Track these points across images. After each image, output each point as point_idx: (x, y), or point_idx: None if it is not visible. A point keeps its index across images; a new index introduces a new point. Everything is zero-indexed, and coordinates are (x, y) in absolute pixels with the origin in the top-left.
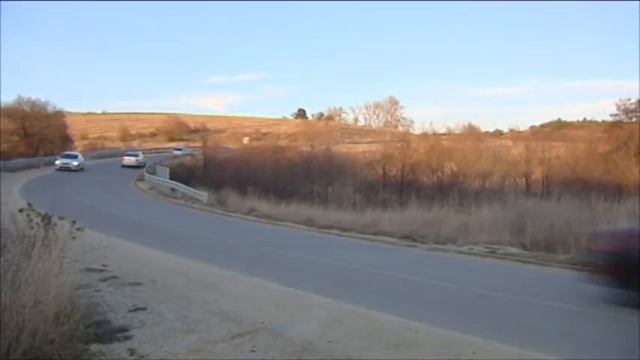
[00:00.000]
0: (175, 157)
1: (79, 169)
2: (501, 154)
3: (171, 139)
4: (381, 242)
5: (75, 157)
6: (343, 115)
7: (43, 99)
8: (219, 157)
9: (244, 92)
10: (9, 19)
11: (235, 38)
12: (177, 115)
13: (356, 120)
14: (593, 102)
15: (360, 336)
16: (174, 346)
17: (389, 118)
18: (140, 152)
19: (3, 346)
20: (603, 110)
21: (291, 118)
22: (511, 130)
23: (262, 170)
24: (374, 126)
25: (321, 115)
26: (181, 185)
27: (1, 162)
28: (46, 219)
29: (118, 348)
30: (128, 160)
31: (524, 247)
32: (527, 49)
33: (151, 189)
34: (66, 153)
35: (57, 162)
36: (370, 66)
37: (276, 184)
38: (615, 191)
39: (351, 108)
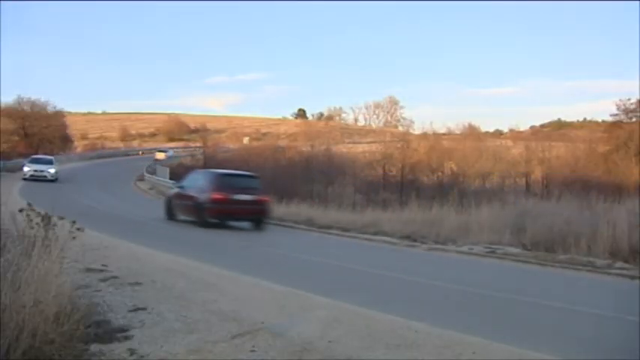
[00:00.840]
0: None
1: (54, 179)
2: (501, 154)
3: (171, 139)
4: (381, 242)
5: (49, 162)
6: (343, 115)
7: (43, 99)
8: (219, 157)
9: (244, 92)
10: (9, 19)
11: (235, 38)
12: (177, 115)
13: (356, 120)
14: (593, 102)
15: (360, 336)
16: (174, 346)
17: (389, 118)
18: (170, 149)
19: (3, 346)
20: (603, 110)
21: (291, 118)
22: (511, 130)
23: (262, 170)
24: (374, 126)
25: (321, 115)
26: None
27: (1, 162)
28: (46, 219)
29: (118, 348)
30: (160, 155)
31: (524, 247)
32: (527, 49)
33: (150, 189)
34: (36, 156)
35: (25, 169)
36: (370, 66)
37: (276, 184)
38: (615, 191)
39: (351, 108)
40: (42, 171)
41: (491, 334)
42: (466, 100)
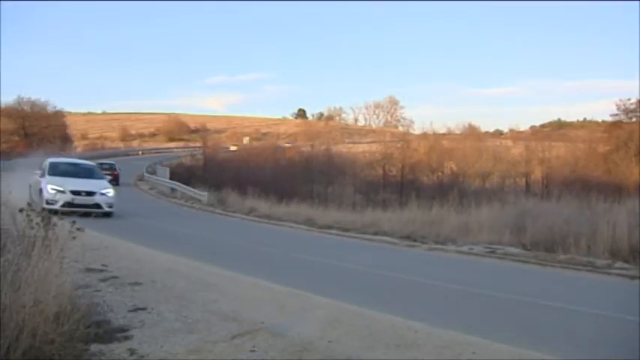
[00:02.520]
0: None
1: (111, 212)
2: (501, 154)
3: (171, 139)
4: (381, 242)
5: (91, 173)
6: (343, 115)
7: (43, 99)
8: (219, 157)
9: (244, 92)
10: (9, 19)
11: (235, 38)
12: (177, 115)
13: (356, 120)
14: (593, 102)
15: (360, 336)
16: (174, 346)
17: (389, 118)
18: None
19: (3, 346)
20: (603, 110)
21: (291, 118)
22: (511, 130)
23: (262, 170)
24: (374, 126)
25: (321, 115)
26: (181, 185)
27: (1, 162)
28: (46, 219)
29: (118, 348)
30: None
31: (524, 247)
32: (527, 49)
33: (151, 189)
34: (58, 160)
35: (49, 188)
36: (370, 66)
37: (276, 184)
38: (615, 191)
39: (351, 108)
40: (90, 194)
41: (491, 334)
42: (466, 100)
